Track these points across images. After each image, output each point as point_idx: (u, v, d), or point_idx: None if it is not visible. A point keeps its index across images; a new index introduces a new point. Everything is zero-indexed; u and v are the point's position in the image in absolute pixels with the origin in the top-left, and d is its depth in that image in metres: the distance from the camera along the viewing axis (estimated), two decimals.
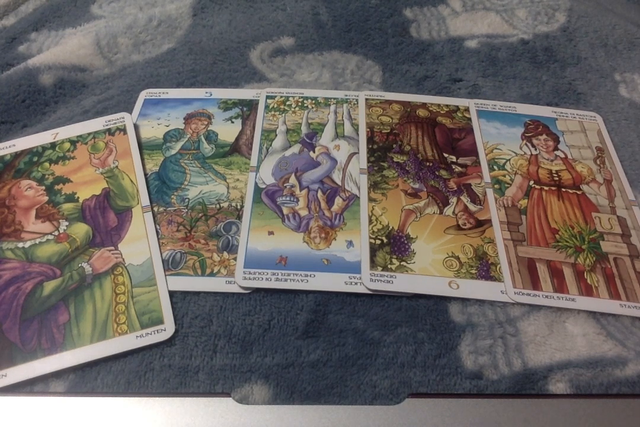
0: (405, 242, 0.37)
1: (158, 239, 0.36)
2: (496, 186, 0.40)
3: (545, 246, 0.37)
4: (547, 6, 0.54)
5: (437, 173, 0.41)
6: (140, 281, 0.34)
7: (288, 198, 0.39)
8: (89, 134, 0.42)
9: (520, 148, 0.43)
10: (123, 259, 0.35)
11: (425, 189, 0.40)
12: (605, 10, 0.54)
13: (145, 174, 0.40)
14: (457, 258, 0.36)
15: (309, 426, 0.29)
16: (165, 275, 0.35)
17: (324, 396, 0.31)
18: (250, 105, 0.46)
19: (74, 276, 0.34)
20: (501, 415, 0.29)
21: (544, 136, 0.44)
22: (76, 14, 0.55)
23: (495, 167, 0.41)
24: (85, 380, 0.31)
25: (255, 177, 0.40)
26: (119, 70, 0.49)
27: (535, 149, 0.43)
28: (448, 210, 0.39)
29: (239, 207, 0.39)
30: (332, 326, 0.33)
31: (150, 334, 0.32)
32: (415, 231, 0.37)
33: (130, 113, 0.44)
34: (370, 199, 0.39)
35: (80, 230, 0.37)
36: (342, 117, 0.45)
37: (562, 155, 0.43)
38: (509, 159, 0.42)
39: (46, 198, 0.38)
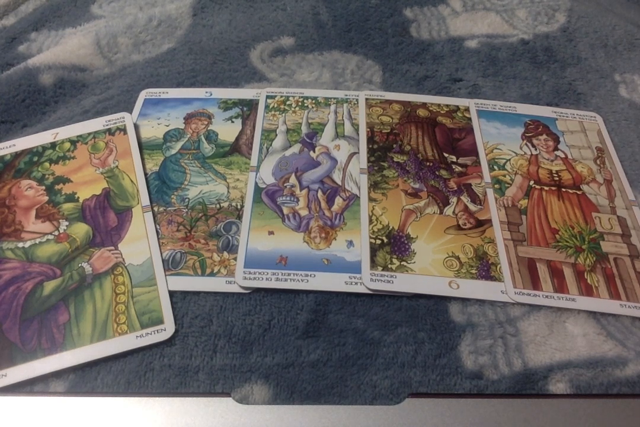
0: (406, 242, 0.37)
1: (158, 239, 0.36)
2: (496, 186, 0.40)
3: (545, 246, 0.37)
4: (547, 6, 0.54)
5: (437, 173, 0.41)
6: (140, 281, 0.34)
7: (288, 198, 0.39)
8: (89, 133, 0.42)
9: (521, 148, 0.43)
10: (123, 259, 0.35)
11: (425, 189, 0.40)
12: (605, 11, 0.54)
13: (146, 174, 0.40)
14: (458, 258, 0.36)
15: (309, 426, 0.29)
16: (165, 275, 0.35)
17: (324, 396, 0.31)
18: (250, 105, 0.46)
19: (74, 276, 0.34)
20: (501, 415, 0.29)
21: (544, 136, 0.44)
22: (76, 13, 0.55)
23: (495, 167, 0.41)
24: (85, 380, 0.31)
25: (256, 177, 0.40)
26: (119, 70, 0.49)
27: (536, 149, 0.43)
28: (448, 210, 0.39)
29: (239, 207, 0.39)
30: (332, 326, 0.33)
31: (150, 334, 0.32)
32: (416, 231, 0.37)
33: (131, 113, 0.44)
34: (371, 199, 0.39)
35: (81, 230, 0.37)
36: (342, 117, 0.45)
37: (562, 156, 0.43)
38: (509, 159, 0.42)
39: (46, 198, 0.38)
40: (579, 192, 0.40)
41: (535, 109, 0.46)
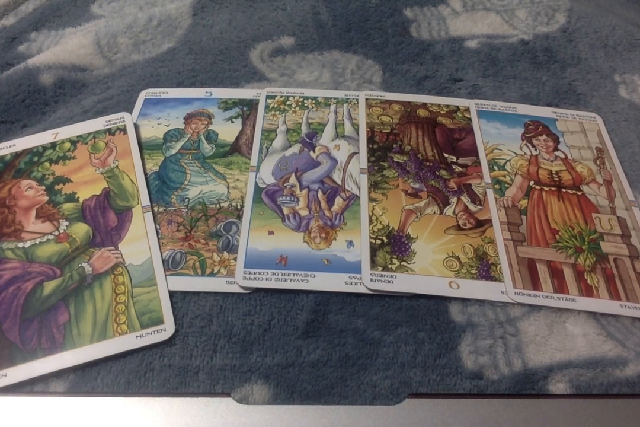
0: (406, 242, 0.37)
1: (158, 239, 0.36)
2: (496, 186, 0.40)
3: (545, 246, 0.37)
4: (547, 7, 0.54)
5: (437, 173, 0.41)
6: (140, 281, 0.34)
7: (288, 198, 0.39)
8: (89, 133, 0.42)
9: (521, 148, 0.43)
10: (123, 259, 0.35)
11: (425, 189, 0.40)
12: (605, 11, 0.55)
13: (146, 174, 0.40)
14: (458, 258, 0.36)
15: (309, 426, 0.29)
16: (165, 275, 0.35)
17: (324, 396, 0.31)
18: (250, 105, 0.46)
19: (74, 276, 0.34)
20: (501, 415, 0.29)
21: (544, 137, 0.44)
22: (76, 13, 0.55)
23: (495, 167, 0.41)
24: (85, 380, 0.31)
25: (256, 177, 0.40)
26: (119, 69, 0.49)
27: (536, 150, 0.43)
28: (448, 211, 0.39)
29: (239, 207, 0.39)
30: (333, 326, 0.33)
31: (150, 334, 0.32)
32: (416, 231, 0.37)
33: (131, 113, 0.44)
34: (371, 199, 0.39)
35: (81, 230, 0.37)
36: (343, 117, 0.45)
37: (562, 156, 0.43)
38: (509, 160, 0.42)
39: (46, 198, 0.38)
40: (579, 193, 0.40)
41: (535, 109, 0.46)
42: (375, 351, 0.32)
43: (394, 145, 0.43)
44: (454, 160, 0.42)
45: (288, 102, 0.46)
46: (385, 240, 0.37)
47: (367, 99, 0.46)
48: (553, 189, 0.40)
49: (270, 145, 0.43)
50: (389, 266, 0.35)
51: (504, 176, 0.41)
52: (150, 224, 0.37)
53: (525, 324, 0.33)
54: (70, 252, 0.35)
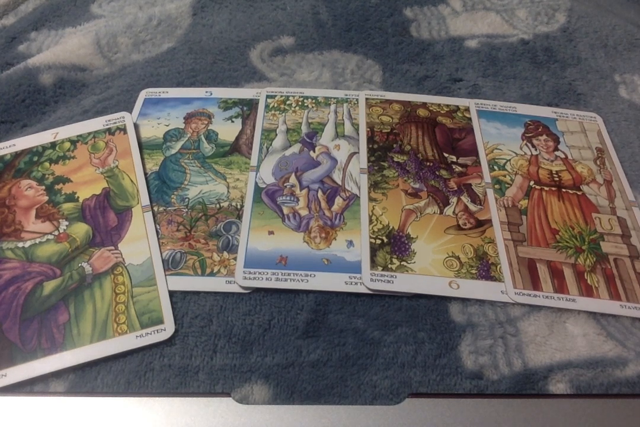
0: (406, 242, 0.37)
1: (158, 238, 0.36)
2: (496, 186, 0.40)
3: (545, 247, 0.37)
4: (547, 6, 0.54)
5: (437, 173, 0.41)
6: (140, 281, 0.34)
7: (288, 198, 0.39)
8: (89, 133, 0.42)
9: (521, 148, 0.43)
10: (123, 259, 0.35)
11: (425, 189, 0.40)
12: (605, 11, 0.54)
13: (145, 174, 0.40)
14: (458, 258, 0.36)
15: (309, 426, 0.29)
16: (165, 275, 0.35)
17: (324, 396, 0.31)
18: (250, 105, 0.46)
19: (74, 276, 0.34)
20: (501, 415, 0.29)
21: (544, 137, 0.44)
22: (76, 13, 0.55)
23: (495, 167, 0.41)
24: (85, 380, 0.31)
25: (256, 177, 0.40)
26: (118, 69, 0.49)
27: (536, 150, 0.43)
28: (448, 210, 0.39)
29: (239, 206, 0.39)
30: (333, 326, 0.33)
31: (150, 333, 0.32)
32: (416, 231, 0.37)
33: (130, 113, 0.44)
34: (371, 199, 0.39)
35: (80, 230, 0.37)
36: (343, 117, 0.45)
37: (562, 156, 0.43)
38: (509, 159, 0.42)
39: (46, 198, 0.38)
40: (579, 193, 0.40)
41: (536, 109, 0.46)
42: (375, 350, 0.32)
43: (394, 145, 0.43)
44: (454, 160, 0.42)
45: (288, 102, 0.46)
46: (385, 240, 0.37)
47: (367, 99, 0.46)
48: (553, 189, 0.40)
49: (270, 145, 0.43)
50: (389, 266, 0.35)
51: (504, 176, 0.41)
52: (150, 223, 0.37)
53: (525, 324, 0.33)
54: (70, 252, 0.35)
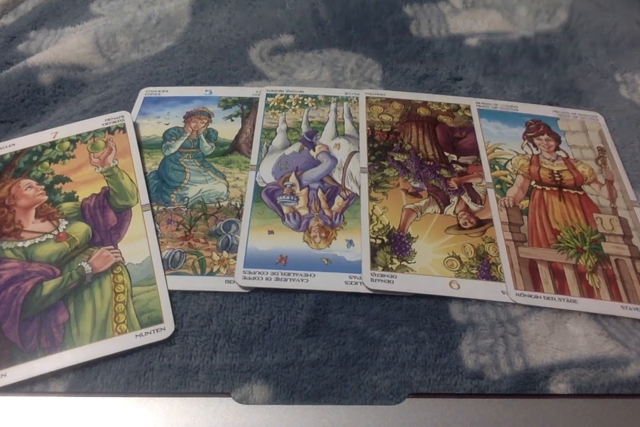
0: (406, 241, 0.36)
1: (158, 238, 0.36)
2: (497, 186, 0.40)
3: (546, 247, 0.36)
4: (548, 3, 0.54)
5: (437, 172, 0.41)
6: (140, 280, 0.34)
7: (288, 197, 0.39)
8: (89, 133, 0.42)
9: (522, 148, 0.43)
10: (122, 258, 0.35)
11: (426, 188, 0.40)
12: (606, 9, 0.54)
13: (145, 173, 0.40)
14: (458, 258, 0.36)
15: (309, 426, 0.29)
16: (165, 274, 0.35)
17: (324, 396, 0.31)
18: (250, 104, 0.45)
19: (73, 275, 0.34)
20: (502, 415, 0.29)
21: (546, 136, 0.44)
22: (75, 12, 0.55)
23: (496, 167, 0.41)
24: (85, 380, 0.31)
25: (255, 176, 0.40)
26: (118, 68, 0.49)
27: (537, 149, 0.43)
28: (449, 210, 0.38)
29: (238, 206, 0.39)
30: (333, 325, 0.33)
31: (150, 333, 0.32)
32: (416, 231, 0.37)
33: (130, 112, 0.44)
34: (371, 198, 0.39)
35: (80, 229, 0.36)
36: (343, 116, 0.45)
37: (564, 156, 0.42)
38: (511, 159, 0.42)
39: (46, 197, 0.38)
40: (580, 193, 0.40)
41: (537, 108, 0.46)
42: (375, 350, 0.32)
43: (395, 144, 0.42)
44: (455, 159, 0.42)
45: (288, 101, 0.45)
46: (386, 239, 0.36)
47: (367, 98, 0.46)
48: (554, 189, 0.40)
49: (270, 144, 0.42)
50: (389, 266, 0.35)
51: (505, 176, 0.41)
52: (150, 223, 0.37)
53: (526, 324, 0.33)
54: (70, 252, 0.35)
